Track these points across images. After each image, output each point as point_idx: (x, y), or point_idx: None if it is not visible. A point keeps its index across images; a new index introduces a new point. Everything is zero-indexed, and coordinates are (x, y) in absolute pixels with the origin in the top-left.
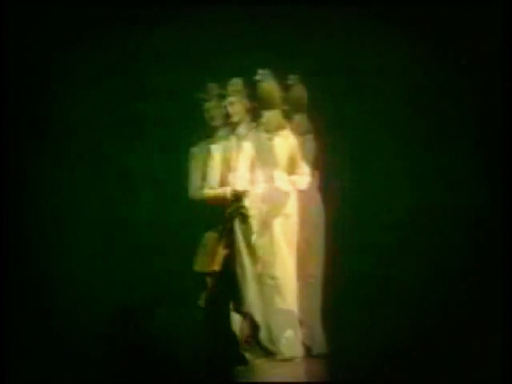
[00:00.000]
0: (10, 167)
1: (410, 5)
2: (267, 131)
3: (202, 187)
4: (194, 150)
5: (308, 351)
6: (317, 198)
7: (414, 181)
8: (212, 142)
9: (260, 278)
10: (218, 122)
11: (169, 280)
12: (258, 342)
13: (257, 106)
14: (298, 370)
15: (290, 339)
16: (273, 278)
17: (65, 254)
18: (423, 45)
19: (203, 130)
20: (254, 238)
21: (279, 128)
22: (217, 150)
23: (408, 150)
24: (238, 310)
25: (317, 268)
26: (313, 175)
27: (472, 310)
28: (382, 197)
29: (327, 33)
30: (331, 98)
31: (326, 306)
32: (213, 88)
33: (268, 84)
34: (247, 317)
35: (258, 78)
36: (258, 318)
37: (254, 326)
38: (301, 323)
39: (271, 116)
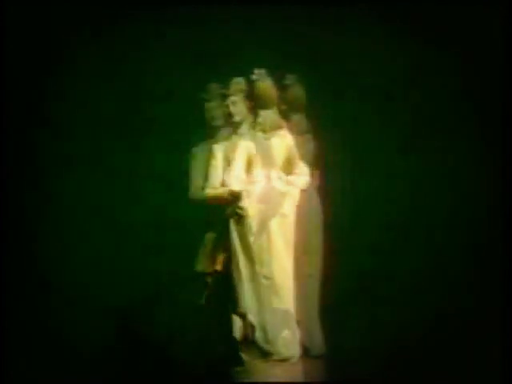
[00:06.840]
0: (10, 167)
1: (410, 5)
2: (263, 131)
3: (202, 187)
4: (195, 150)
5: (306, 352)
6: (315, 197)
7: (413, 181)
8: (213, 143)
9: (256, 279)
10: (219, 122)
11: (169, 280)
12: (254, 342)
13: (253, 106)
14: (295, 370)
15: (287, 339)
16: (268, 278)
17: (65, 254)
18: (423, 44)
19: (204, 131)
20: (251, 238)
21: (276, 127)
22: (219, 150)
23: (408, 150)
24: (235, 311)
25: (314, 267)
26: (312, 175)
27: (472, 310)
28: (382, 197)
29: (327, 33)
30: (331, 98)
31: (326, 306)
32: (214, 88)
33: (264, 83)
34: (243, 317)
35: (254, 77)
36: (254, 318)
37: (250, 327)
38: (298, 324)
39: (267, 115)
